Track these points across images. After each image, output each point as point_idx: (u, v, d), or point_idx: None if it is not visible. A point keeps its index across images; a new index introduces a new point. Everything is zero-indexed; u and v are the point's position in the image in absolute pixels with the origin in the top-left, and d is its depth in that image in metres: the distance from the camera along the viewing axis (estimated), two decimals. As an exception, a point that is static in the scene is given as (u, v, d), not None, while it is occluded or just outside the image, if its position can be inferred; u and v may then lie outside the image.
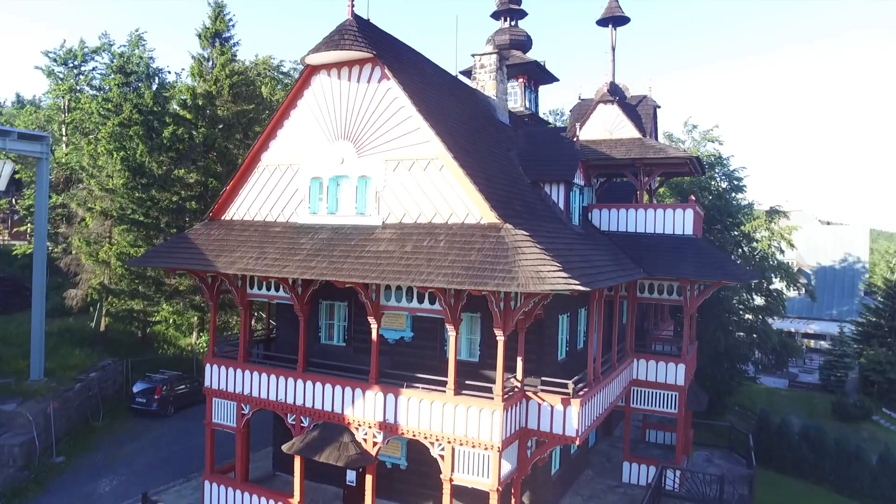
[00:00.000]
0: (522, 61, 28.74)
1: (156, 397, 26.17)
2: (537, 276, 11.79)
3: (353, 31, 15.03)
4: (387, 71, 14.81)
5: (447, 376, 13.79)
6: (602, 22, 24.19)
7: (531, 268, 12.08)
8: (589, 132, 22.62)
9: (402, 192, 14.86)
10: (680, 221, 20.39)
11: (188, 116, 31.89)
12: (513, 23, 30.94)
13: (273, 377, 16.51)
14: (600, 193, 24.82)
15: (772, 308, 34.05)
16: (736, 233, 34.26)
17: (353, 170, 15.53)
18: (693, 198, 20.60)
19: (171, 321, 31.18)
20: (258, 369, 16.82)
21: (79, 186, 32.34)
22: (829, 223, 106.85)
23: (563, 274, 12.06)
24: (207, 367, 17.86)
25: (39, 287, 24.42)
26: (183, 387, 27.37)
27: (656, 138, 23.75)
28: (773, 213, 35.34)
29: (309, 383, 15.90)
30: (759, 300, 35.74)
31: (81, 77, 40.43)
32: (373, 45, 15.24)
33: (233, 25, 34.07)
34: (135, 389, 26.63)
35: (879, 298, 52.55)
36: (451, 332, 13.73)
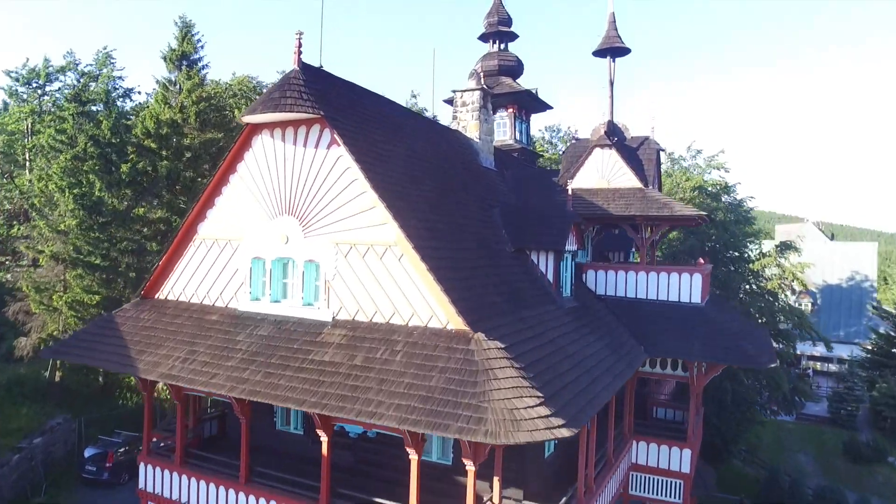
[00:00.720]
0: (512, 90, 26.24)
1: (107, 465, 23.69)
2: (511, 419, 9.35)
3: (297, 88, 12.57)
4: (336, 136, 12.35)
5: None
6: (599, 53, 21.71)
7: (504, 404, 9.64)
8: (584, 179, 20.15)
9: (356, 282, 12.40)
10: (686, 287, 17.96)
11: (152, 146, 29.43)
12: (502, 46, 28.41)
13: (213, 486, 14.09)
14: (597, 242, 22.39)
15: (783, 354, 31.58)
16: (743, 270, 31.88)
17: (300, 252, 13.08)
18: (702, 261, 18.17)
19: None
20: (196, 475, 14.40)
21: (28, 224, 29.86)
22: (833, 236, 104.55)
23: (543, 411, 9.63)
24: (141, 466, 15.46)
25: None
26: (140, 449, 24.90)
27: (659, 185, 21.28)
28: (784, 248, 32.94)
29: (252, 498, 13.49)
30: None
31: (46, 98, 37.99)
32: (322, 100, 12.80)
33: (201, 47, 31.65)
34: (85, 454, 24.19)
35: (893, 322, 49.76)
36: (412, 456, 11.30)
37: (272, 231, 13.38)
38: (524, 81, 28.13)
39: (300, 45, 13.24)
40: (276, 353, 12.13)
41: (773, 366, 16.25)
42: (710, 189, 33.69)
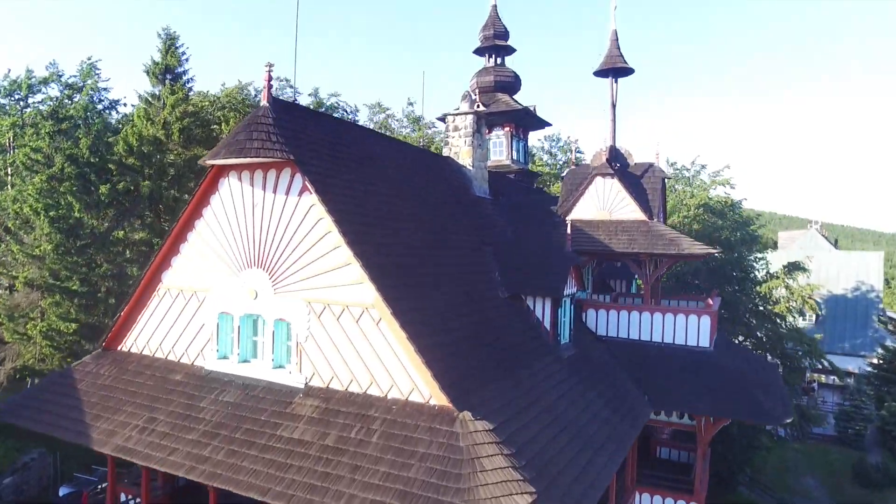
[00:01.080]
0: (509, 108, 24.98)
1: (82, 505, 22.52)
2: (499, 526, 8.15)
3: (265, 129, 11.35)
4: (308, 183, 11.12)
5: None
6: (601, 73, 20.47)
7: (490, 502, 8.44)
8: (584, 209, 18.91)
9: (330, 346, 11.18)
10: (694, 330, 16.73)
11: (135, 163, 28.20)
12: (498, 61, 27.17)
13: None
14: (597, 273, 21.16)
15: (791, 379, 30.36)
16: (749, 291, 30.64)
17: (269, 309, 11.86)
18: (710, 301, 16.94)
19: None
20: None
21: (2, 247, 28.63)
22: (836, 241, 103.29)
23: (537, 513, 8.43)
24: (103, 530, 14.26)
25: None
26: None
27: (664, 215, 20.05)
28: (792, 269, 31.69)
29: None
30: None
31: (29, 110, 36.70)
32: (294, 140, 11.60)
33: (186, 59, 30.42)
34: (60, 493, 22.98)
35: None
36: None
37: (240, 284, 12.16)
38: (522, 96, 26.97)
39: (270, 80, 12.05)
40: (242, 425, 10.91)
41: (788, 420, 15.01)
42: (715, 206, 32.44)
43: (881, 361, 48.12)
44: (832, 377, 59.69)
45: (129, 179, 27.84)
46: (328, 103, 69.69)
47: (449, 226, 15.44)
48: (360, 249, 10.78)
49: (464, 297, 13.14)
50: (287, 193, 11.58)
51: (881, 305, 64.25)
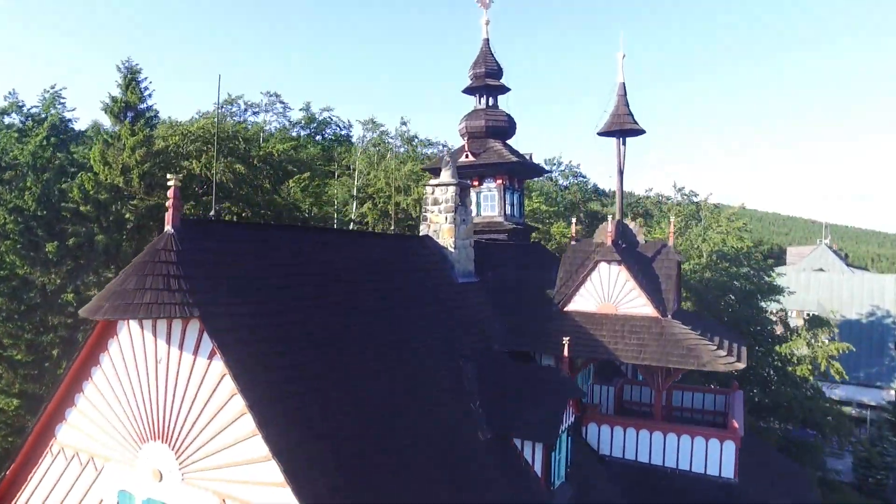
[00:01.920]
0: (502, 160, 22.21)
1: None
2: None
3: (164, 271, 8.64)
4: (216, 346, 8.44)
5: None
6: (606, 133, 17.76)
7: None
8: (585, 300, 16.19)
9: (248, 563, 8.51)
10: (715, 458, 14.04)
11: (90, 212, 25.57)
12: (491, 101, 24.40)
13: None
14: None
15: (815, 449, 27.65)
16: (768, 348, 27.93)
17: (176, 498, 9.19)
18: (735, 423, 14.20)
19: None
20: None
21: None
22: (847, 256, 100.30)
23: None
24: None
25: None
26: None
27: (678, 301, 17.31)
28: (815, 325, 28.99)
29: None
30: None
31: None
32: (205, 281, 8.95)
33: (149, 95, 27.70)
34: None
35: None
36: None
37: (143, 460, 9.48)
38: (519, 134, 24.23)
39: (177, 195, 9.39)
40: None
41: None
42: (728, 253, 29.71)
43: (901, 393, 45.43)
44: (845, 408, 56.93)
45: (83, 232, 25.23)
46: (320, 118, 67.14)
47: (418, 333, 12.79)
48: (282, 445, 8.08)
49: (433, 453, 10.45)
50: (195, 353, 8.90)
51: (897, 333, 61.45)
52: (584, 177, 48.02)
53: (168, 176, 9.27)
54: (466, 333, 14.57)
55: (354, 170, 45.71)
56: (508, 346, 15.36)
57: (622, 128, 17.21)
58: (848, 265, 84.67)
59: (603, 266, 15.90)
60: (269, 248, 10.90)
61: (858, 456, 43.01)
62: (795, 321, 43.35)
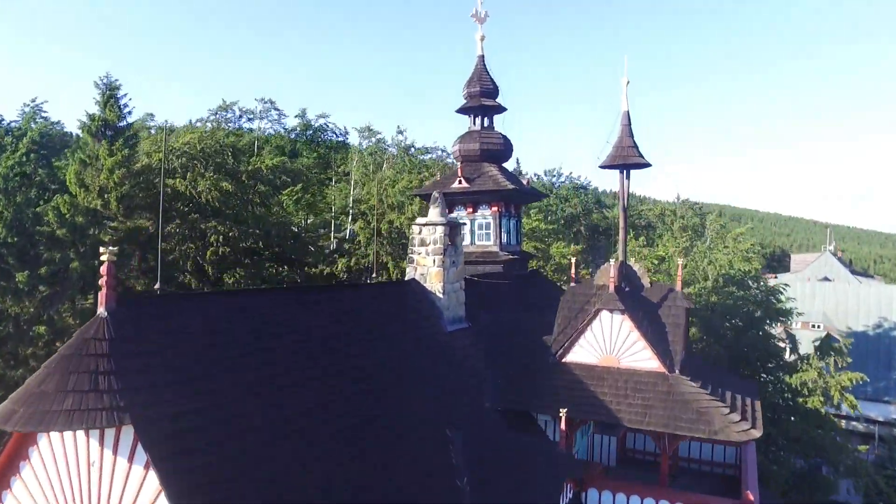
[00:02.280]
0: (497, 188, 20.92)
1: None
2: None
3: (92, 367, 7.42)
4: (151, 461, 7.18)
5: None
6: (609, 166, 16.49)
7: None
8: (584, 351, 14.92)
9: None
10: (728, 533, 12.78)
11: (66, 236, 24.36)
12: (485, 122, 23.14)
13: None
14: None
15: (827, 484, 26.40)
16: (776, 377, 26.67)
17: None
18: (750, 495, 12.93)
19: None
20: None
21: None
22: (850, 262, 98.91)
23: None
24: None
25: None
26: None
27: (687, 347, 16.02)
28: (825, 349, 27.74)
29: None
30: None
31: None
32: (144, 371, 7.73)
33: (128, 113, 26.51)
34: None
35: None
36: None
37: (72, 578, 8.24)
38: (516, 152, 22.98)
39: (111, 273, 8.10)
40: None
41: None
42: (735, 276, 28.42)
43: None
44: (852, 423, 55.63)
45: (58, 258, 24.01)
46: (316, 125, 65.94)
47: (402, 401, 11.52)
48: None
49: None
50: (130, 461, 7.65)
51: (904, 345, 60.06)
52: (585, 188, 46.72)
53: (101, 249, 7.98)
54: (455, 391, 13.33)
55: (352, 178, 44.56)
56: (501, 403, 14.12)
57: (626, 161, 15.93)
58: (853, 272, 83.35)
59: (605, 315, 14.62)
60: (228, 322, 9.64)
61: (869, 484, 41.79)
62: (800, 333, 42.04)
